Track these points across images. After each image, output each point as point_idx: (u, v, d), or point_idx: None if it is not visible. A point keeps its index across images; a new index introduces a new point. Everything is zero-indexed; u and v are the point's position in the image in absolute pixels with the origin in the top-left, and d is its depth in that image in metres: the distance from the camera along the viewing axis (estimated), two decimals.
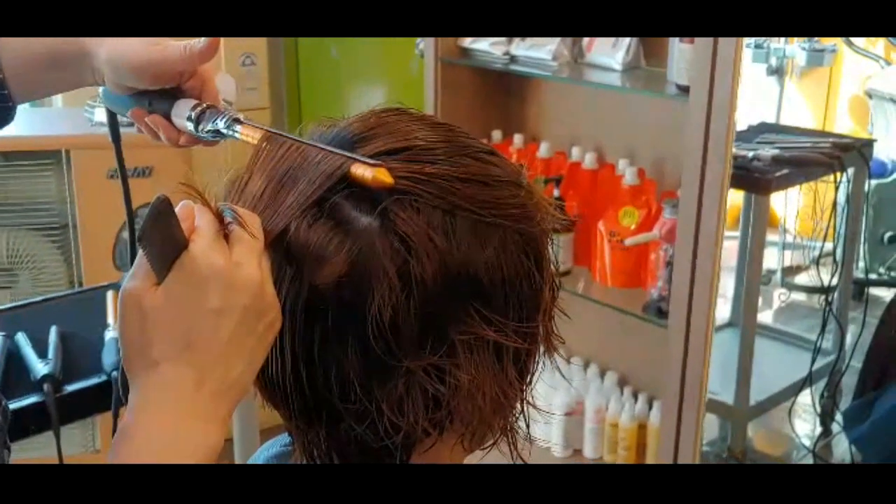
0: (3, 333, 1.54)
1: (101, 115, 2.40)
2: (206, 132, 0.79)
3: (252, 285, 0.59)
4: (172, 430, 0.58)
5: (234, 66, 2.74)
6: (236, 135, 0.75)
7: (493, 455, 0.71)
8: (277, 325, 0.61)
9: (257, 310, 0.60)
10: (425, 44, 2.36)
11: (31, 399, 1.40)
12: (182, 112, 0.80)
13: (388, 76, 3.08)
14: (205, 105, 0.79)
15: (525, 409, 0.69)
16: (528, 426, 0.69)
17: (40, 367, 1.44)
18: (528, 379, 0.68)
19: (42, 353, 1.49)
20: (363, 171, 0.60)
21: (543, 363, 0.69)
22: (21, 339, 1.53)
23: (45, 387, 1.40)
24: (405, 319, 0.60)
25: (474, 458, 0.70)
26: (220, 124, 0.76)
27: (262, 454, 0.79)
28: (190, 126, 0.79)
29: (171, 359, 0.58)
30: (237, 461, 2.08)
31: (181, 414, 0.58)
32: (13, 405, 1.31)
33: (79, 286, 2.33)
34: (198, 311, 0.58)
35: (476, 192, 0.62)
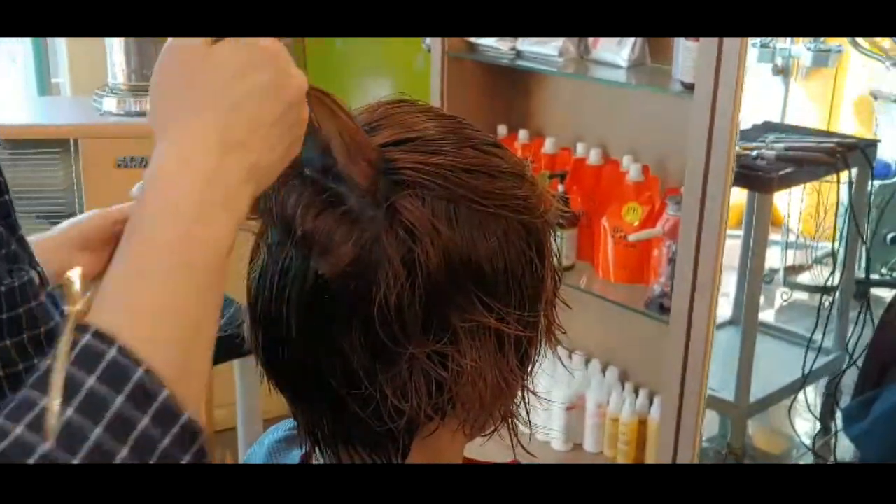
0: None
1: (109, 104, 2.41)
2: None
3: (301, 89, 0.59)
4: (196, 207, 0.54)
5: None
6: None
7: (493, 443, 0.72)
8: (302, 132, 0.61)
9: (297, 113, 0.59)
10: (432, 39, 2.37)
11: None
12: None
13: (393, 70, 3.09)
14: None
15: (525, 396, 0.70)
16: (528, 413, 0.71)
17: None
18: (529, 367, 0.69)
19: None
20: None
21: (545, 353, 0.71)
22: None
23: None
24: (410, 307, 0.61)
25: (474, 445, 0.72)
26: None
27: (267, 438, 0.81)
28: None
29: (208, 111, 0.56)
30: (241, 449, 2.10)
31: (204, 191, 0.55)
32: None
33: None
34: (250, 80, 0.57)
35: (480, 183, 0.64)
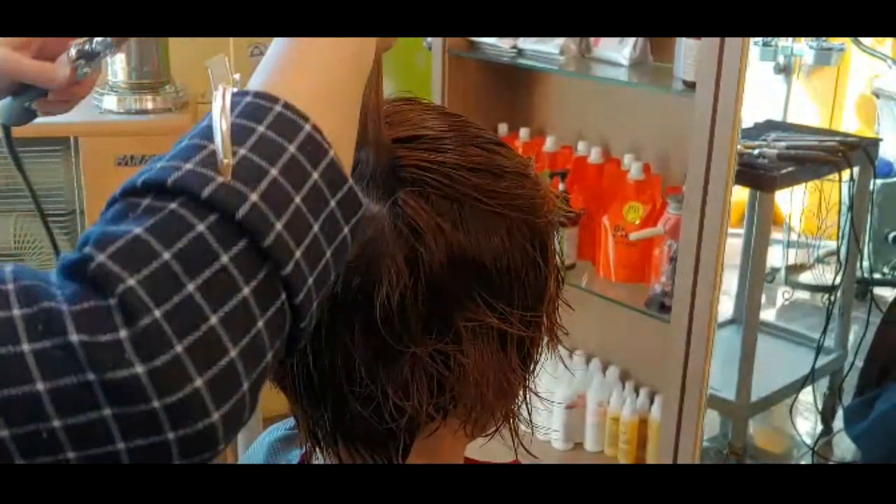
0: None
1: (109, 102, 2.41)
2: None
3: None
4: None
5: (242, 56, 2.75)
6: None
7: (494, 443, 0.71)
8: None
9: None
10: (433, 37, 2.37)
11: None
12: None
13: (394, 68, 3.09)
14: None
15: (527, 396, 0.70)
16: (529, 413, 0.70)
17: None
18: (532, 367, 0.69)
19: None
20: None
21: (547, 353, 0.70)
22: None
23: None
24: (412, 305, 0.61)
25: (476, 445, 0.71)
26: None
27: (267, 437, 0.80)
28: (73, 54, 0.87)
29: None
30: (241, 447, 2.10)
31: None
32: None
33: None
34: None
35: (484, 182, 0.63)
